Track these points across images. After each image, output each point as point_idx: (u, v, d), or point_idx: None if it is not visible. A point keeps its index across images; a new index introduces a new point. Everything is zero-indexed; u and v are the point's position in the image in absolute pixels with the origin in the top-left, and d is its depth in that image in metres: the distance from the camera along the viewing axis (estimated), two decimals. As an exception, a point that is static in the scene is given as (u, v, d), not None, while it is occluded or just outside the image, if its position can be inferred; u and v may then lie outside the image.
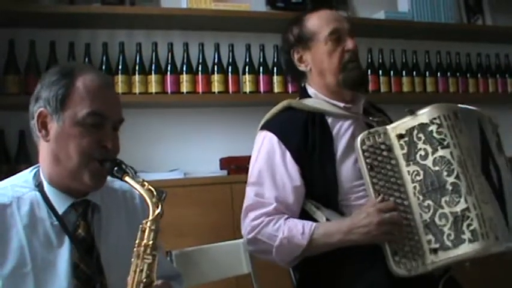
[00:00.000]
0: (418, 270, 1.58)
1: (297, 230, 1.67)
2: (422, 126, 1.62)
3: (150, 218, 1.28)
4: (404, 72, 3.56)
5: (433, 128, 1.61)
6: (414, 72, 3.59)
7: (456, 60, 3.74)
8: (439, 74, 3.65)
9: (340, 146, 1.77)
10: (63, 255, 1.32)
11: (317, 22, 1.85)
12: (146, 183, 1.31)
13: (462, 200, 1.55)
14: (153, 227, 1.27)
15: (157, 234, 1.28)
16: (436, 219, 1.57)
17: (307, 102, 1.86)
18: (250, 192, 1.77)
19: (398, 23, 3.52)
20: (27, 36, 2.90)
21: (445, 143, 1.59)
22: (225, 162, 3.07)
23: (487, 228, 1.53)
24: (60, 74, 1.35)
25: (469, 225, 1.53)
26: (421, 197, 1.60)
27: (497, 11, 3.90)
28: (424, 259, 1.58)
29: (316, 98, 1.86)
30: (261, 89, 3.18)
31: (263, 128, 1.85)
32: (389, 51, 3.55)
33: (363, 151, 1.66)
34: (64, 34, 3.00)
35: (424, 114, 1.63)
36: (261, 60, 3.24)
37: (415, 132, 1.63)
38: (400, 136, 1.65)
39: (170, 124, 3.22)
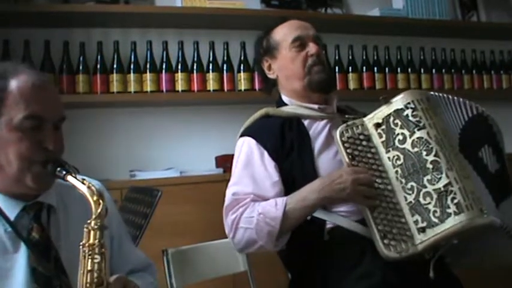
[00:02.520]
0: (408, 251, 1.61)
1: (270, 205, 1.70)
2: (397, 112, 1.68)
3: (93, 216, 1.25)
4: (399, 69, 3.57)
5: (408, 112, 1.66)
6: (409, 69, 3.60)
7: (451, 57, 3.75)
8: (434, 70, 3.66)
9: (318, 143, 1.83)
10: (20, 261, 1.29)
11: (282, 32, 1.96)
12: (87, 182, 1.27)
13: (443, 176, 1.59)
14: (96, 226, 1.24)
15: (103, 232, 1.25)
16: (421, 199, 1.61)
17: (284, 109, 1.93)
18: (228, 193, 1.81)
19: (393, 20, 3.53)
20: (21, 36, 2.89)
21: (421, 124, 1.65)
22: (221, 161, 3.08)
23: (471, 200, 1.57)
24: None
25: (453, 199, 1.57)
26: (403, 180, 1.64)
27: (491, 8, 3.91)
28: (413, 240, 1.60)
29: (291, 104, 1.93)
30: (256, 87, 3.18)
31: (242, 135, 1.91)
32: (384, 48, 3.56)
33: (343, 142, 1.71)
34: (58, 33, 3.00)
35: (398, 101, 1.70)
36: (256, 58, 3.24)
37: (392, 119, 1.68)
38: (377, 125, 1.70)
39: (165, 123, 3.22)
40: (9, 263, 1.28)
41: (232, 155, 1.90)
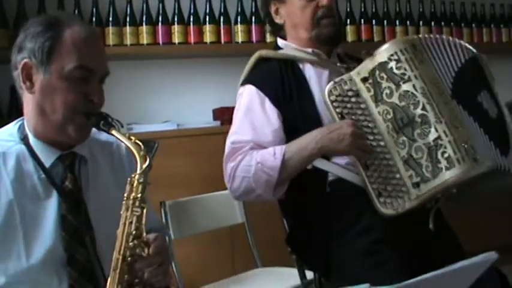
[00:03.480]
0: (404, 207, 1.61)
1: (269, 153, 1.69)
2: (382, 65, 1.64)
3: (138, 171, 1.27)
4: (398, 22, 3.53)
5: (392, 64, 1.63)
6: (408, 22, 3.56)
7: (450, 10, 3.71)
8: (433, 23, 3.63)
9: (316, 89, 1.79)
10: (51, 208, 1.31)
11: None
12: (133, 137, 1.30)
13: (432, 129, 1.58)
14: (141, 180, 1.26)
15: (146, 187, 1.28)
16: (413, 154, 1.60)
17: (279, 51, 1.89)
18: (228, 142, 1.80)
19: (392, -29, 3.47)
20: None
21: (406, 77, 1.62)
22: (218, 113, 3.08)
23: (462, 153, 1.55)
24: (46, 24, 1.31)
25: (443, 153, 1.56)
26: (395, 135, 1.62)
27: (492, -41, 3.85)
28: (409, 195, 1.61)
29: (286, 47, 1.89)
30: (253, 39, 3.16)
31: (242, 83, 1.87)
32: (383, 0, 3.51)
33: (331, 102, 1.68)
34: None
35: (383, 52, 1.66)
36: (253, 9, 3.20)
37: (377, 72, 1.65)
38: (364, 79, 1.67)
39: (162, 75, 3.20)
40: (40, 209, 1.31)
41: (230, 108, 1.88)
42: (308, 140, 1.68)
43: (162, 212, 2.10)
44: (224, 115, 2.97)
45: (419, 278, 0.83)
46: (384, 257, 1.61)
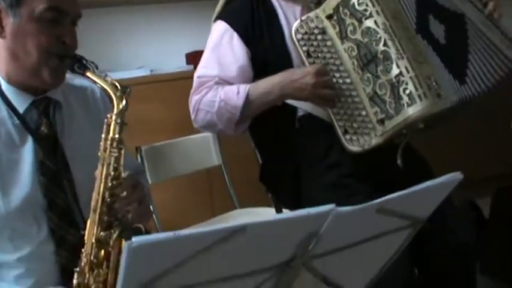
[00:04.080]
0: (371, 143, 1.63)
1: (233, 92, 1.70)
2: (345, 1, 1.63)
3: (115, 112, 1.25)
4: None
5: (354, 0, 1.62)
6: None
7: None
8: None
9: (287, 26, 1.77)
10: (27, 154, 1.30)
11: None
12: (109, 78, 1.28)
13: (394, 66, 1.57)
14: (118, 121, 1.25)
15: (123, 128, 1.27)
16: (378, 90, 1.61)
17: None
18: (195, 76, 1.81)
19: None
20: None
21: (367, 13, 1.60)
22: (191, 57, 3.05)
23: (424, 88, 1.55)
24: None
25: (405, 90, 1.56)
26: (360, 72, 1.62)
27: None
28: (375, 131, 1.62)
29: None
30: (226, -19, 3.10)
31: (214, 21, 1.86)
32: None
33: (298, 40, 1.67)
34: None
35: None
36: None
37: (341, 9, 1.64)
38: (329, 16, 1.65)
39: (134, 21, 3.15)
40: (16, 156, 1.30)
41: (203, 51, 1.87)
42: (272, 86, 1.68)
43: (138, 157, 2.09)
44: (197, 59, 2.88)
45: (384, 198, 0.84)
46: (353, 190, 1.64)
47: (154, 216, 2.08)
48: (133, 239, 0.68)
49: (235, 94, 1.69)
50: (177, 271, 0.73)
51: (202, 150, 2.23)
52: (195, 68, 2.95)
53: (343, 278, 1.01)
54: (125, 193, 1.24)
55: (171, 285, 0.75)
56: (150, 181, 2.05)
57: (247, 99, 1.68)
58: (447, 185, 0.94)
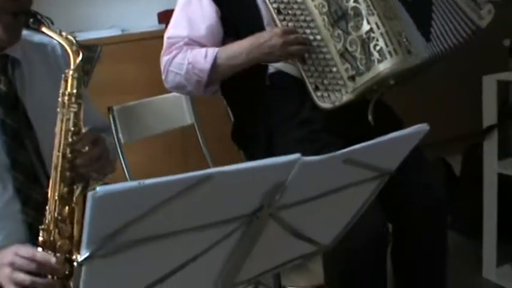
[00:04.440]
0: (342, 100, 1.64)
1: (201, 55, 1.70)
2: None
3: (72, 66, 1.23)
4: None
5: None
6: None
7: None
8: None
9: None
10: None
11: None
12: (64, 33, 1.25)
13: (364, 22, 1.57)
14: (75, 76, 1.23)
15: (81, 83, 1.25)
16: (348, 47, 1.60)
17: None
18: (165, 36, 1.80)
19: None
20: None
21: None
22: (163, 16, 3.00)
23: (395, 45, 1.56)
24: None
25: (375, 46, 1.56)
26: (331, 28, 1.62)
27: None
28: (345, 88, 1.63)
29: None
30: None
31: None
32: None
33: None
34: None
35: None
36: None
37: None
38: None
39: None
40: None
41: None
42: (240, 50, 1.67)
43: (110, 117, 2.06)
44: (169, 18, 2.84)
45: (351, 148, 0.85)
46: (325, 143, 1.65)
47: (128, 176, 2.07)
48: (97, 188, 0.68)
49: (203, 57, 1.69)
50: (143, 221, 0.73)
51: (175, 110, 2.21)
52: (167, 27, 2.93)
53: (313, 230, 1.03)
54: (86, 148, 1.23)
55: (137, 236, 0.75)
56: (122, 141, 2.04)
57: (215, 63, 1.68)
58: (413, 136, 0.94)
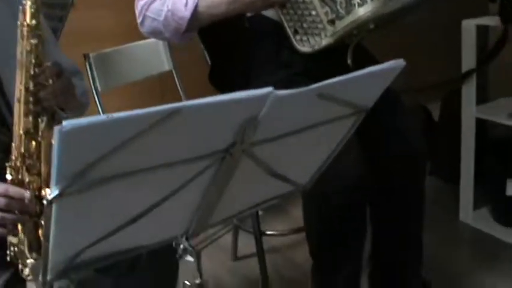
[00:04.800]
0: (321, 44, 1.62)
1: (181, 2, 1.66)
2: None
3: None
4: None
5: None
6: None
7: None
8: None
9: None
10: None
11: None
12: None
13: None
14: (33, 7, 1.18)
15: (40, 14, 1.20)
16: None
17: None
18: None
19: None
20: None
21: None
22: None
23: None
24: None
25: None
26: None
27: None
28: (325, 32, 1.61)
29: None
30: None
31: None
32: None
33: None
34: None
35: None
36: None
37: None
38: None
39: None
40: None
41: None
42: (221, 0, 1.63)
43: (87, 64, 2.03)
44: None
45: (325, 82, 0.83)
46: (305, 85, 1.64)
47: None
48: (64, 123, 0.66)
49: (183, 5, 1.64)
50: (113, 157, 0.72)
51: (152, 56, 2.18)
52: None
53: (288, 169, 1.02)
54: (50, 81, 1.20)
55: (108, 173, 0.74)
56: (100, 88, 2.01)
57: (195, 11, 1.64)
58: (389, 72, 0.93)
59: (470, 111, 2.40)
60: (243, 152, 0.85)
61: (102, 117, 0.68)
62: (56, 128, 0.66)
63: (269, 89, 0.76)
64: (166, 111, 0.70)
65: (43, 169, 1.19)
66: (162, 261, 1.29)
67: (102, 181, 0.75)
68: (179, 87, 2.18)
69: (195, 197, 0.91)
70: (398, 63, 0.93)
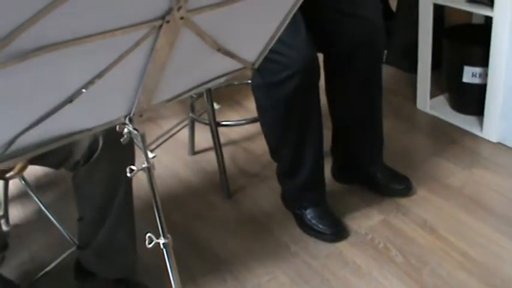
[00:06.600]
0: None
1: None
2: None
3: None
4: None
5: None
6: None
7: None
8: None
9: None
10: None
11: None
12: None
13: None
14: None
15: None
16: None
17: None
18: None
19: None
20: None
21: None
22: None
23: None
24: None
25: None
26: None
27: None
28: None
29: None
30: None
31: None
32: None
33: None
34: None
35: None
36: None
37: None
38: None
39: None
40: None
41: None
42: None
43: None
44: None
45: None
46: None
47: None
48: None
49: None
50: (37, 24, 0.66)
51: None
52: None
53: (234, 44, 0.97)
54: None
55: (29, 44, 0.69)
56: None
57: None
58: None
59: (428, -3, 2.35)
60: (182, 19, 0.79)
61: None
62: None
63: None
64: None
65: None
66: (117, 146, 1.26)
67: (28, 53, 0.69)
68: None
69: (135, 72, 0.86)
70: None
